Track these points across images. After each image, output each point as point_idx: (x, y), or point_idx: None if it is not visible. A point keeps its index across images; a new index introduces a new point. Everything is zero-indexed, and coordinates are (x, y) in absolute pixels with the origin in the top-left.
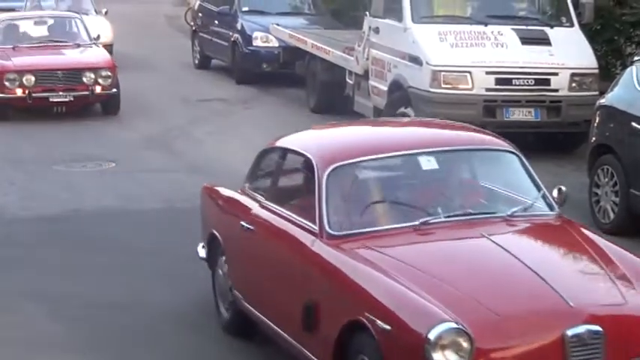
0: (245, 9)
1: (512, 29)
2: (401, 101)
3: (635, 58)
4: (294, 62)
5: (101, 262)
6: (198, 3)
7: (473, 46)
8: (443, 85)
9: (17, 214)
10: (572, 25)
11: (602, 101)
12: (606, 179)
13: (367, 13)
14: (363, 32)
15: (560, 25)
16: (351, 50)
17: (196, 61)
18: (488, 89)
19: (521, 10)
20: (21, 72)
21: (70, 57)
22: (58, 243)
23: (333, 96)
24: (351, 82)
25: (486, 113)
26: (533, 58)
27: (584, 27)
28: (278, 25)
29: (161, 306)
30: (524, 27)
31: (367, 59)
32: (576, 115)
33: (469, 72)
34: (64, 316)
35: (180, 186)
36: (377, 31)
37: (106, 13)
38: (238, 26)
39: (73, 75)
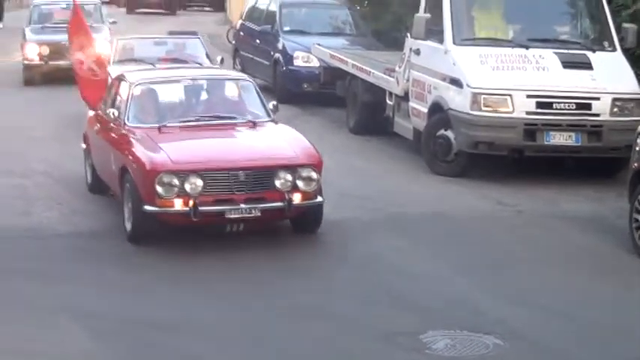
0: (287, 29)
1: (554, 53)
2: (441, 123)
3: None
4: (335, 82)
5: (140, 279)
6: (240, 22)
7: (514, 69)
8: (483, 108)
9: (57, 230)
10: (614, 50)
11: None
12: None
13: (408, 34)
14: (403, 54)
15: (603, 49)
16: (392, 71)
17: None
18: (528, 112)
19: (563, 33)
20: (182, 173)
21: (253, 145)
22: (96, 259)
23: (372, 117)
24: (391, 103)
25: (527, 137)
26: (575, 82)
27: (626, 51)
28: (319, 45)
29: (205, 328)
30: (566, 51)
31: (407, 81)
32: (617, 140)
33: (510, 95)
34: (100, 332)
35: None
36: (418, 52)
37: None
38: (280, 46)
39: (260, 176)
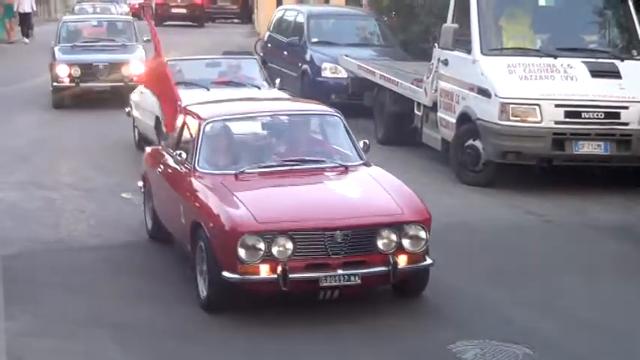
0: (314, 40)
1: (582, 62)
2: (469, 133)
3: None
4: (363, 93)
5: (169, 291)
6: (267, 34)
7: (542, 78)
8: (512, 118)
9: (86, 242)
10: None
11: None
12: None
13: (436, 44)
14: (431, 64)
15: (631, 57)
16: (420, 82)
17: None
18: (557, 122)
19: (591, 42)
20: (269, 234)
21: (351, 198)
22: (125, 271)
23: (401, 127)
24: (419, 113)
25: (555, 146)
26: (603, 91)
27: None
28: (347, 56)
29: (227, 338)
30: (594, 60)
31: (435, 91)
32: None
33: (538, 105)
34: (129, 343)
35: None
36: (446, 62)
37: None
38: (307, 57)
39: (361, 236)
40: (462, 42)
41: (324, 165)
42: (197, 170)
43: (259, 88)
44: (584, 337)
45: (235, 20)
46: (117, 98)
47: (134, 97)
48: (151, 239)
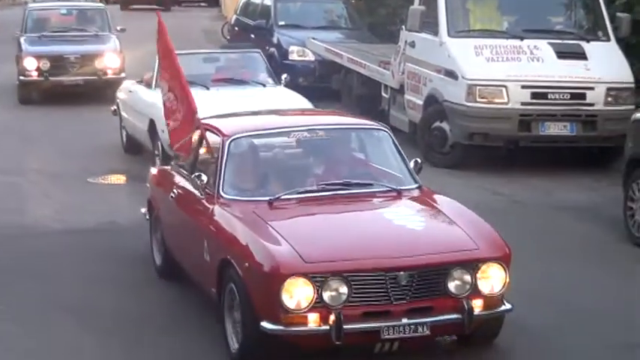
0: (281, 23)
1: (548, 43)
2: (436, 115)
3: None
4: (330, 76)
5: (134, 275)
6: (234, 17)
7: (509, 60)
8: (478, 99)
9: (51, 227)
10: (608, 40)
11: (638, 115)
12: None
13: (403, 27)
14: (398, 46)
15: (597, 39)
16: (387, 64)
17: None
18: (523, 103)
19: (557, 24)
20: (320, 276)
21: (413, 231)
22: (91, 256)
23: (368, 110)
24: (386, 96)
25: (522, 127)
26: (569, 72)
27: (620, 41)
28: (314, 39)
29: (200, 327)
30: (560, 41)
31: (403, 73)
32: (612, 130)
33: (505, 86)
34: (92, 328)
35: None
36: (413, 45)
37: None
38: (274, 40)
39: (429, 278)
40: (428, 24)
41: (372, 189)
42: (222, 196)
43: (264, 85)
44: (553, 315)
45: (202, 4)
46: (90, 93)
47: (121, 95)
48: (162, 277)
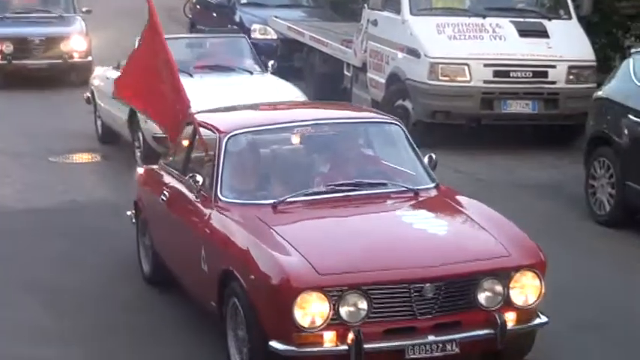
0: (244, 1)
1: (511, 22)
2: (398, 93)
3: (633, 50)
4: (293, 55)
5: (96, 254)
6: None
7: (471, 38)
8: (441, 78)
9: (12, 207)
10: (570, 18)
11: (599, 93)
12: (602, 171)
13: (365, 5)
14: (361, 25)
15: (559, 17)
16: (349, 43)
17: None
18: (486, 81)
19: (519, 2)
20: (336, 290)
21: (436, 236)
22: (53, 235)
23: (330, 88)
24: (349, 74)
25: (484, 105)
26: (531, 50)
27: (582, 19)
28: (276, 17)
29: (162, 306)
30: (522, 19)
31: (365, 52)
32: (574, 108)
33: (467, 64)
34: (57, 308)
35: None
36: (375, 23)
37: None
38: (236, 18)
39: (457, 289)
40: (391, 2)
41: (387, 190)
42: (220, 200)
43: (251, 73)
44: None
45: None
46: (55, 77)
47: (96, 82)
48: (151, 285)
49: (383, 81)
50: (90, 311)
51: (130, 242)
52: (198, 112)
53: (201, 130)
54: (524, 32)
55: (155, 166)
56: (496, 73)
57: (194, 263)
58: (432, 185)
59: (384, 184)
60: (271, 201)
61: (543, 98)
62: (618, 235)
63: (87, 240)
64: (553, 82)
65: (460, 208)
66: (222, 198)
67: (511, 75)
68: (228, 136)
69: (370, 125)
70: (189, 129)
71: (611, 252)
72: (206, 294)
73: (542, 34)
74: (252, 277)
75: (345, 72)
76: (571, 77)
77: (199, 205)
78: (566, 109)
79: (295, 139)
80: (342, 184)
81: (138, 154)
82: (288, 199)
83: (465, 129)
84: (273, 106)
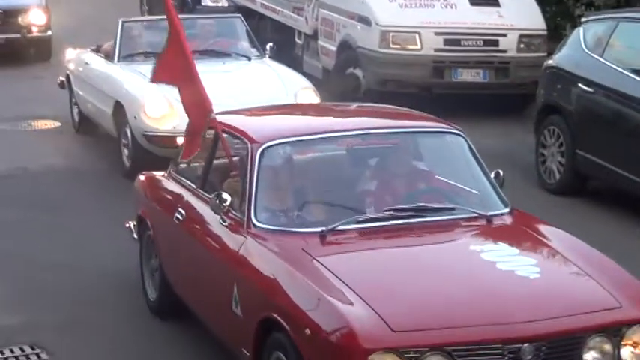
0: None
1: None
2: (350, 62)
3: (583, 19)
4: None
5: (45, 221)
6: None
7: (422, 6)
8: (392, 46)
9: None
10: None
11: (550, 62)
12: (552, 140)
13: None
14: None
15: None
16: (300, 10)
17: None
18: (436, 50)
19: None
20: (415, 350)
21: (528, 282)
22: (2, 202)
23: (281, 56)
24: (300, 42)
25: (435, 74)
26: (482, 19)
27: None
28: None
29: (103, 269)
30: None
31: (316, 19)
32: (524, 77)
33: (418, 32)
34: (5, 274)
35: None
36: None
37: None
38: None
39: (559, 350)
40: None
41: (455, 216)
42: (254, 225)
43: (249, 58)
44: None
45: None
46: (13, 54)
47: (72, 66)
48: (157, 315)
49: (334, 49)
50: (37, 278)
51: (78, 208)
52: (219, 113)
53: (222, 135)
54: (475, 1)
55: (160, 174)
56: (447, 42)
57: (223, 304)
58: (506, 210)
59: (450, 209)
60: (318, 229)
61: (494, 67)
62: (567, 203)
63: (36, 206)
64: (504, 51)
65: (546, 241)
66: (258, 223)
67: (462, 44)
68: (262, 147)
69: (430, 136)
70: (209, 136)
71: (559, 220)
72: (237, 339)
73: (493, 2)
74: (308, 331)
75: (297, 40)
76: (522, 46)
77: (228, 230)
78: (517, 77)
79: (342, 152)
80: (401, 210)
81: (125, 152)
82: (339, 228)
83: (417, 98)
84: (306, 108)
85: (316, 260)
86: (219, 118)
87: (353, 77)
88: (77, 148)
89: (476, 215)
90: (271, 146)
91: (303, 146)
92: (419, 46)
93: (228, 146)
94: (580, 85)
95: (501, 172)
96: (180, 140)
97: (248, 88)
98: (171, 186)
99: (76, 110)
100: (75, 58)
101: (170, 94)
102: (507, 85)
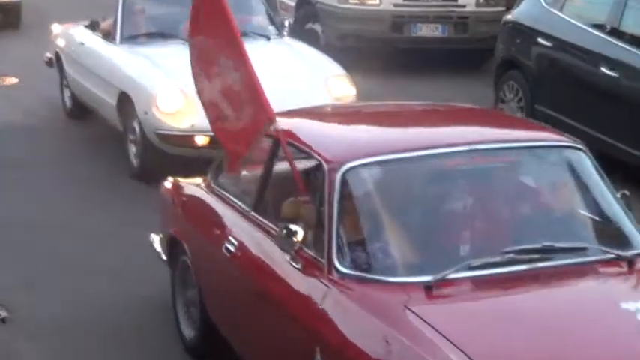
0: None
1: None
2: (308, 16)
3: None
4: None
5: (3, 178)
6: None
7: None
8: (351, 1)
9: None
10: None
11: (509, 17)
12: (512, 95)
13: None
14: None
15: None
16: None
17: None
18: (396, 5)
19: None
20: None
21: None
22: None
23: None
24: None
25: (394, 29)
26: None
27: None
28: None
29: (66, 224)
30: None
31: None
32: (483, 32)
33: None
34: None
35: None
36: None
37: None
38: None
39: None
40: None
41: (588, 259)
42: (338, 270)
43: (268, 38)
44: None
45: None
46: None
47: (62, 43)
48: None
49: (293, 4)
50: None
51: (37, 165)
52: (286, 121)
53: (290, 148)
54: None
55: (192, 182)
56: None
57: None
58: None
59: (582, 250)
60: (423, 279)
61: (453, 22)
62: None
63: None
64: (463, 6)
65: None
66: (343, 269)
67: None
68: (344, 168)
69: (548, 152)
70: (265, 145)
71: None
72: None
73: None
74: None
75: None
76: (481, 1)
77: (301, 274)
78: (476, 32)
79: (444, 174)
80: (524, 251)
81: (133, 150)
82: (449, 276)
83: (376, 53)
84: (381, 109)
85: (426, 323)
86: (282, 125)
87: (312, 32)
88: (40, 105)
89: (614, 256)
90: (354, 167)
91: (394, 165)
92: (378, 1)
93: (295, 165)
94: (539, 40)
95: (627, 193)
96: (200, 140)
97: (271, 75)
98: (214, 203)
99: (67, 94)
100: (64, 33)
101: (184, 85)
102: (466, 40)
